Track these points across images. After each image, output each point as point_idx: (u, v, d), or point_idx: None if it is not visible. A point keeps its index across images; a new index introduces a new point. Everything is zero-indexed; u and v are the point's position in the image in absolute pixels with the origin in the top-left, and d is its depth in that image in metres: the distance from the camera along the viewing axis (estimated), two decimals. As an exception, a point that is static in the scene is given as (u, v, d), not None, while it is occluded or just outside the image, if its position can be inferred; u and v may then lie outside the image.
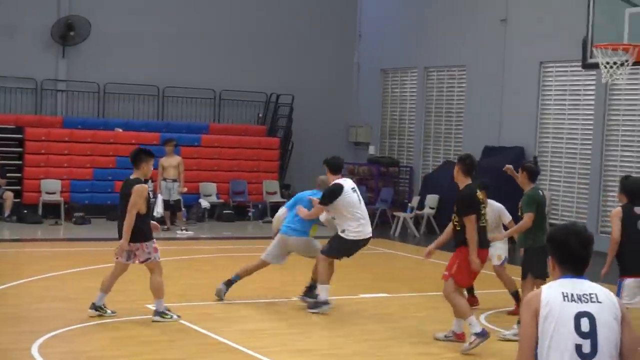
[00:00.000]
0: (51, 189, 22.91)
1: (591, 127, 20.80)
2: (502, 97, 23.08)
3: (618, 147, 20.15)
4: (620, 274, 10.58)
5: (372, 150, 26.95)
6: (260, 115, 26.91)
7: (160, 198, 21.23)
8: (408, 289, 14.51)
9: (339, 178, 12.57)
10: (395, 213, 23.37)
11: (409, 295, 13.95)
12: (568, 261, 4.75)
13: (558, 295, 4.64)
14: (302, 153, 26.62)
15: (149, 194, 11.23)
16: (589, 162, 20.70)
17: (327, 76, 27.55)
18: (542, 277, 10.72)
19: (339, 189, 12.26)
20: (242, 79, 26.32)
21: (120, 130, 24.16)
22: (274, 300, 13.05)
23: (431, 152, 25.77)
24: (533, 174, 11.42)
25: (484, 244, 10.49)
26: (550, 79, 22.07)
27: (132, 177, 11.20)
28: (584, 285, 4.71)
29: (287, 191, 25.58)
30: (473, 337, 10.13)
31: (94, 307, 11.23)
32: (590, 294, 4.66)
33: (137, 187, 10.92)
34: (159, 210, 21.03)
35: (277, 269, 15.82)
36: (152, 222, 11.43)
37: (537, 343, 4.61)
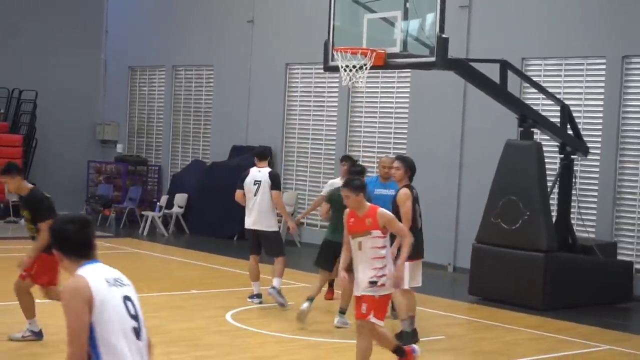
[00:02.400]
0: None
1: (335, 128, 21.46)
2: (250, 97, 23.41)
3: (360, 148, 20.87)
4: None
5: (119, 148, 26.60)
6: (2, 111, 25.95)
7: None
8: (155, 288, 14.43)
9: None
10: (143, 212, 23.18)
11: (156, 294, 13.87)
12: (80, 248, 4.78)
13: (103, 282, 4.70)
14: (47, 150, 25.89)
15: None
16: (333, 161, 21.33)
17: (72, 72, 26.87)
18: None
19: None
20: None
21: None
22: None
23: (180, 151, 25.72)
24: None
25: None
26: (296, 80, 22.57)
27: None
28: (110, 270, 4.82)
29: (30, 190, 24.79)
30: (29, 332, 10.29)
31: None
32: (119, 278, 4.80)
33: None
34: None
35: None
36: None
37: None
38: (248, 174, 13.46)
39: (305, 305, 11.67)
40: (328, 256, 12.15)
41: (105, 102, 27.64)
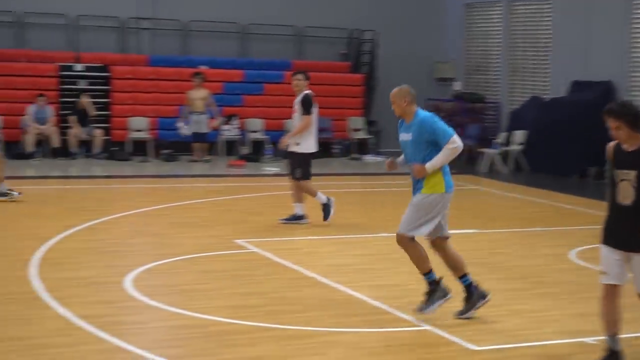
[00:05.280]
0: (139, 126, 23.22)
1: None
2: (590, 29, 22.53)
3: None
4: None
5: (457, 86, 26.61)
6: (344, 51, 26.72)
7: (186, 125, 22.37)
8: (496, 225, 14.37)
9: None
10: (482, 149, 23.14)
11: (496, 231, 13.81)
12: None
13: None
14: (387, 89, 26.31)
15: None
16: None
17: (411, 11, 27.17)
18: None
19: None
20: (324, 15, 26.14)
21: (205, 68, 24.21)
22: (359, 235, 13.04)
23: (517, 87, 25.33)
24: None
25: None
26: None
27: None
28: None
29: (372, 128, 25.48)
30: None
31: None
32: None
33: None
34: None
35: (360, 205, 15.90)
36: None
37: None
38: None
39: None
40: None
41: (442, 39, 27.70)
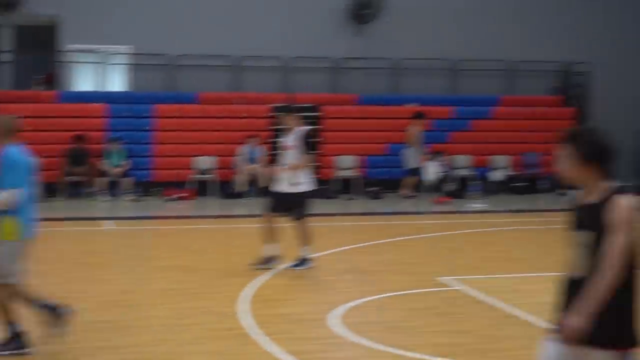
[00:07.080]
0: (346, 164, 23.59)
1: None
2: None
3: None
4: None
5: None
6: (555, 85, 26.22)
7: None
8: None
9: None
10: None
11: None
12: None
13: None
14: (599, 124, 25.66)
15: None
16: None
17: (629, 42, 26.53)
18: None
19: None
20: (535, 49, 25.83)
21: (414, 105, 24.27)
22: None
23: None
24: None
25: None
26: None
27: None
28: None
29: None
30: None
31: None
32: None
33: None
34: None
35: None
36: None
37: None
38: None
39: None
40: None
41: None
